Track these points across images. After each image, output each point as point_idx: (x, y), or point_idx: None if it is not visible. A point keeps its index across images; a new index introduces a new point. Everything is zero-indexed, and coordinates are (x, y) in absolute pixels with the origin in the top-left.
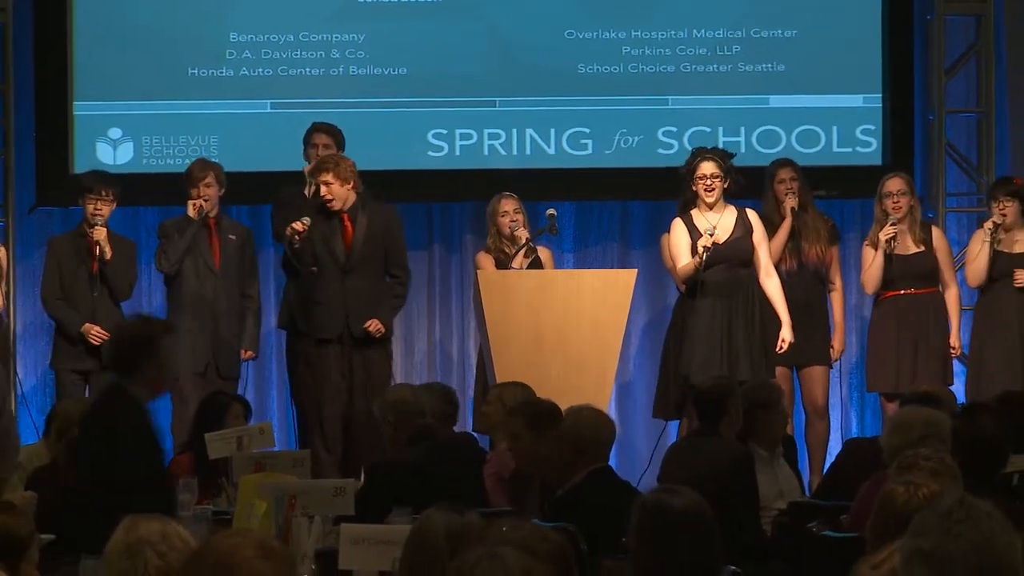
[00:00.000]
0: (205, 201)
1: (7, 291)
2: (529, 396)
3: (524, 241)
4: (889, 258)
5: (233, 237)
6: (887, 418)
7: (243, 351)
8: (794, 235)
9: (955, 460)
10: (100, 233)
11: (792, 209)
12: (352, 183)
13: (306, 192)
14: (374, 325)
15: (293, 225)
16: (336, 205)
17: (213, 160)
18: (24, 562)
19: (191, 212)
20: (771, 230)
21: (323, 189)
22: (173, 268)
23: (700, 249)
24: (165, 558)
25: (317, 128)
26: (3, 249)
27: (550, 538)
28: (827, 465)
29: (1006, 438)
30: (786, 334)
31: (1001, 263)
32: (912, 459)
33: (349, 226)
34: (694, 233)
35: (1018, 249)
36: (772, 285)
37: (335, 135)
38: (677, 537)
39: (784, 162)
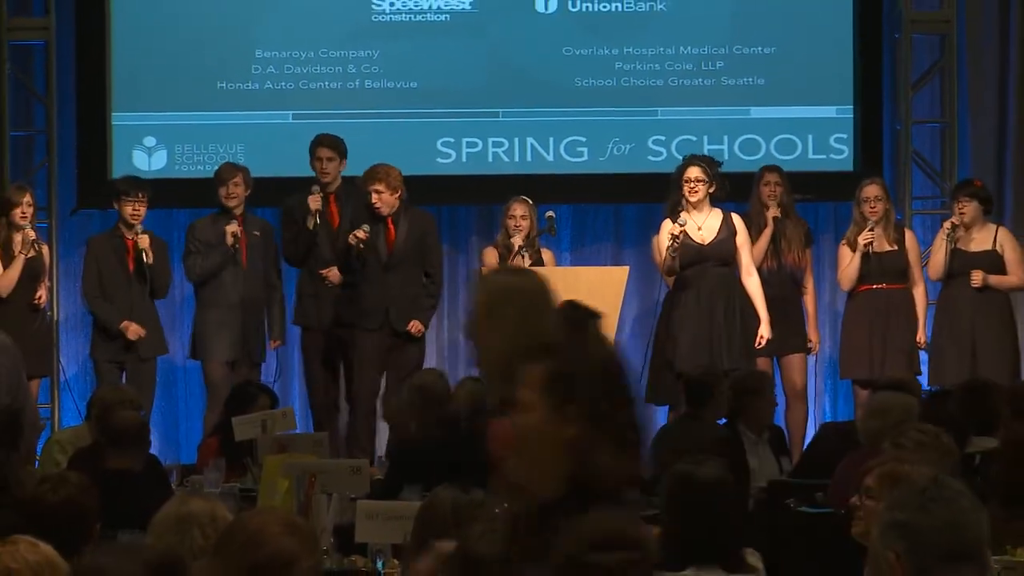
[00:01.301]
0: (236, 205)
1: (51, 287)
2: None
3: (516, 248)
4: (865, 256)
5: (257, 233)
6: (862, 403)
7: (272, 341)
8: (775, 238)
9: None
10: (144, 240)
11: (774, 218)
12: (399, 191)
13: (310, 204)
14: (415, 326)
15: (356, 234)
16: (384, 211)
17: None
18: (89, 535)
19: (228, 240)
20: (755, 229)
21: (374, 196)
22: (199, 280)
23: (669, 239)
24: (209, 540)
25: (320, 142)
26: (46, 248)
27: None
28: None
29: (969, 422)
30: (764, 331)
31: (959, 260)
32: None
33: (392, 229)
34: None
35: (975, 248)
36: (752, 283)
37: (337, 147)
38: (704, 504)
39: (772, 168)
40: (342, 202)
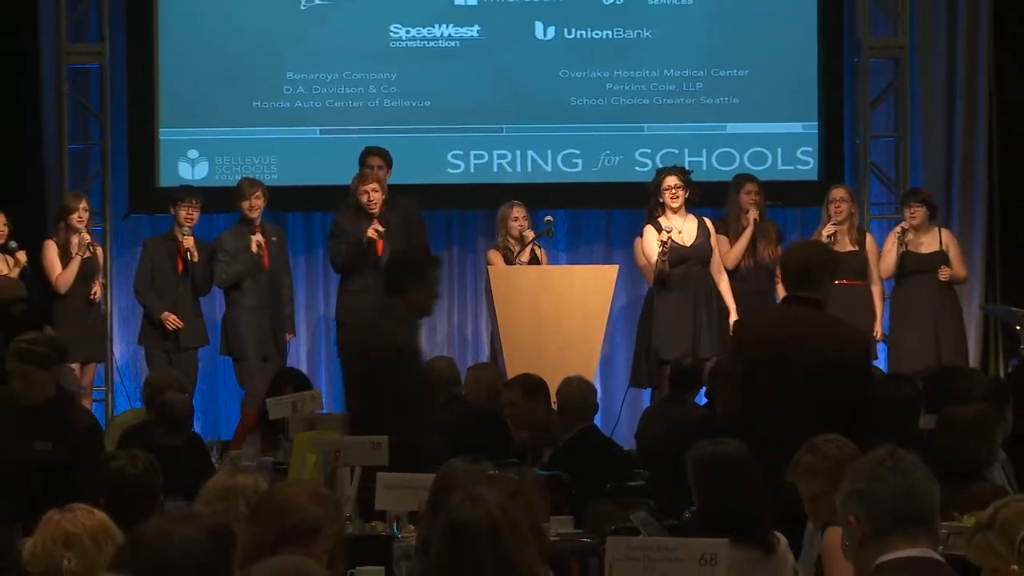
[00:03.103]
0: (256, 216)
1: (104, 283)
2: (492, 374)
3: (529, 240)
4: None
5: (274, 239)
6: None
7: (286, 333)
8: (752, 238)
9: (879, 419)
10: (189, 241)
11: (755, 220)
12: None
13: (368, 232)
14: None
15: (377, 228)
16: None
17: (272, 176)
18: (157, 505)
19: (253, 248)
20: (732, 232)
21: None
22: (226, 285)
23: (659, 247)
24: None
25: (371, 152)
26: (100, 249)
27: (523, 481)
28: None
29: (924, 402)
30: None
31: (910, 261)
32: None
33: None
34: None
35: (924, 250)
36: (723, 281)
37: (385, 156)
38: (732, 478)
39: (749, 177)
40: (390, 232)
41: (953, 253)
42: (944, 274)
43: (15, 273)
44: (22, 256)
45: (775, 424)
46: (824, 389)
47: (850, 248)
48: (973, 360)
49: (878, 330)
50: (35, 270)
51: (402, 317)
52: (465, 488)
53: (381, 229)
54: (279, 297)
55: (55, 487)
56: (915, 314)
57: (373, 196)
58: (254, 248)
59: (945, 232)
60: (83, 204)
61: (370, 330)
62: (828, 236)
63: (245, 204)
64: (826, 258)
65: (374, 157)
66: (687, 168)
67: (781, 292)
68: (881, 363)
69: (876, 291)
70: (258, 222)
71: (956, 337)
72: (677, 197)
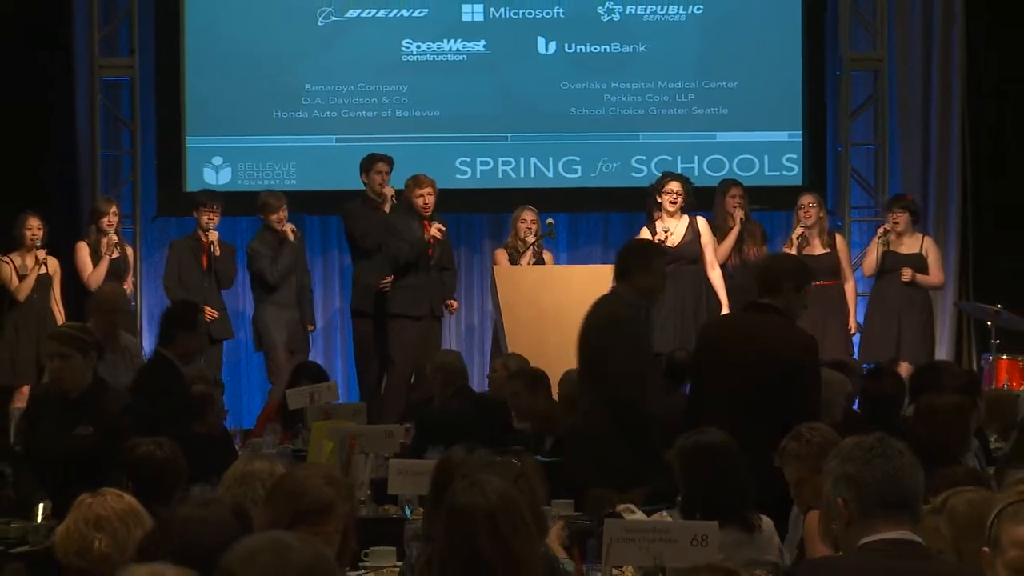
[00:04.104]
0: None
1: (135, 281)
2: (524, 364)
3: (529, 244)
4: (799, 254)
5: (294, 241)
6: None
7: (308, 326)
8: (738, 238)
9: (863, 410)
10: (214, 235)
11: (740, 219)
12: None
13: (386, 209)
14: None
15: (441, 228)
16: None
17: (291, 181)
18: (180, 488)
19: (291, 236)
20: (720, 232)
21: (428, 199)
22: (279, 279)
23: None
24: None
25: (377, 158)
26: (131, 249)
27: (518, 467)
28: None
29: (904, 394)
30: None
31: (889, 260)
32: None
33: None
34: (654, 236)
35: (904, 250)
36: (715, 276)
37: (389, 162)
38: (716, 466)
39: (734, 182)
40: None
41: (932, 259)
42: (906, 275)
43: (39, 270)
44: (41, 255)
45: (720, 416)
46: (760, 386)
47: (821, 251)
48: (948, 354)
49: (853, 324)
50: (69, 269)
51: (627, 301)
52: (466, 475)
53: (444, 229)
54: (299, 294)
55: (95, 469)
56: (886, 308)
57: (428, 200)
58: (291, 236)
59: (927, 239)
60: (113, 208)
61: (606, 317)
62: (797, 237)
63: (274, 217)
64: (786, 267)
65: (382, 163)
66: (688, 177)
67: None
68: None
69: (849, 288)
70: (280, 229)
71: (920, 330)
72: (676, 202)
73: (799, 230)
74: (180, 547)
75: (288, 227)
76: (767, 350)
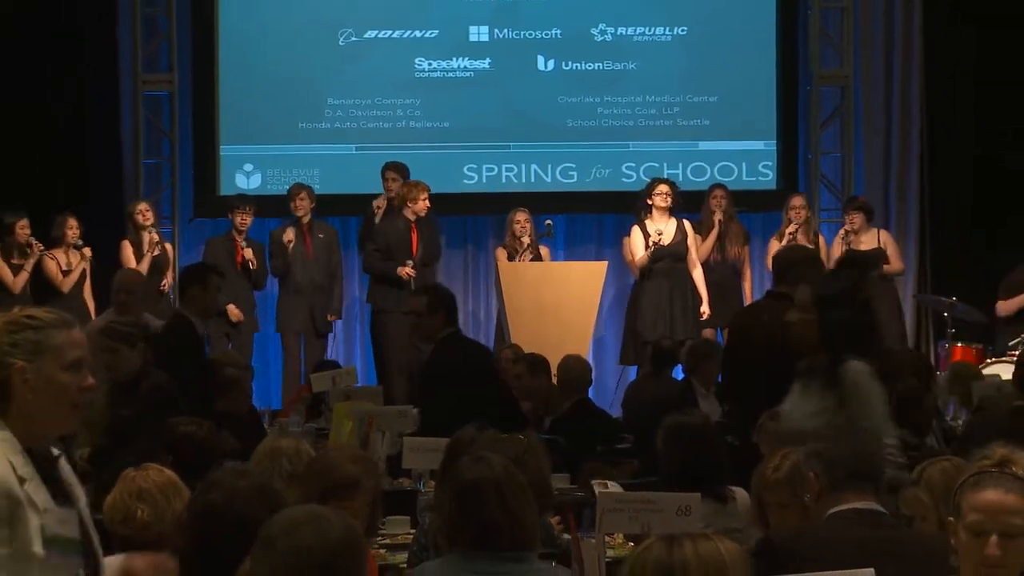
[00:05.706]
0: (302, 215)
1: (173, 277)
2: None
3: (527, 244)
4: None
5: (321, 236)
6: None
7: (329, 315)
8: (720, 237)
9: None
10: (249, 253)
11: (719, 221)
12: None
13: (375, 213)
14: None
15: (408, 271)
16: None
17: (315, 186)
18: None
19: (285, 240)
20: (705, 230)
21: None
22: (275, 275)
23: (651, 245)
24: (294, 467)
25: (389, 167)
26: (170, 246)
27: (519, 444)
28: None
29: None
30: (705, 308)
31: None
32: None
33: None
34: (646, 236)
35: (864, 246)
36: (697, 274)
37: (401, 171)
38: (695, 443)
39: (719, 185)
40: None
41: (891, 250)
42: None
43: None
44: (87, 252)
45: (745, 389)
46: (772, 363)
47: None
48: (909, 342)
49: None
50: (113, 266)
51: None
52: (474, 452)
53: (413, 275)
54: (323, 285)
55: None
56: None
57: (421, 205)
58: (285, 241)
59: (883, 232)
60: (143, 205)
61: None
62: (790, 233)
63: (292, 204)
64: (804, 258)
65: (390, 171)
66: (675, 182)
67: (746, 285)
68: None
69: None
70: (306, 220)
71: (891, 323)
72: (667, 201)
73: (792, 227)
74: (212, 517)
75: (285, 235)
76: (778, 331)
